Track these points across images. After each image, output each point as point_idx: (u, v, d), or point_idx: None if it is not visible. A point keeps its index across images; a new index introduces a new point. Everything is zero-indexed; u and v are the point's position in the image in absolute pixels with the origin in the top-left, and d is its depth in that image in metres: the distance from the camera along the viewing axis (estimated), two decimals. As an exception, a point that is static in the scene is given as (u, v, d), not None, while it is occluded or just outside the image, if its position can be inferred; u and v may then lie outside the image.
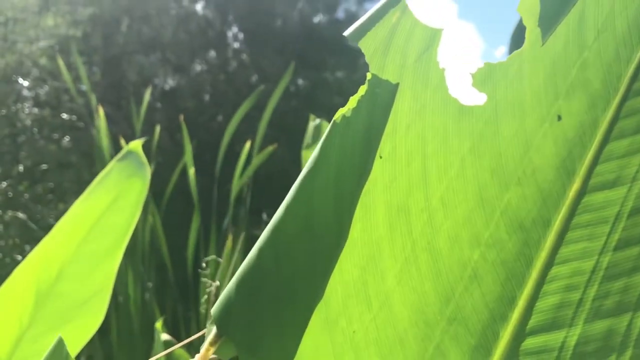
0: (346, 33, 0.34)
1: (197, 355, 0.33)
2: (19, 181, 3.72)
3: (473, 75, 0.32)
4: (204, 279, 1.09)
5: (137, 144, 0.91)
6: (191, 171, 2.24)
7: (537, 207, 0.32)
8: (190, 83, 4.61)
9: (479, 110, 0.32)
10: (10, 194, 3.61)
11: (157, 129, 2.48)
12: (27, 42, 4.11)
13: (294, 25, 4.95)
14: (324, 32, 5.04)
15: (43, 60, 4.14)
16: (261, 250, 0.33)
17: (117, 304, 2.18)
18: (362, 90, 0.33)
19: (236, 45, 5.05)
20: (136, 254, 2.20)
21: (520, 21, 0.32)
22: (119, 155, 0.91)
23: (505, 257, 0.31)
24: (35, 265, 0.85)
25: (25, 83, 4.16)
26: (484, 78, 0.32)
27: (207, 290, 0.86)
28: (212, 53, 4.86)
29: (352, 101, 0.33)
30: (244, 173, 2.33)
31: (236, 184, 2.26)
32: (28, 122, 3.97)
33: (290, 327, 0.33)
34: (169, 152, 3.73)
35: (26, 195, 3.63)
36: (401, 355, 0.32)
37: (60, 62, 2.84)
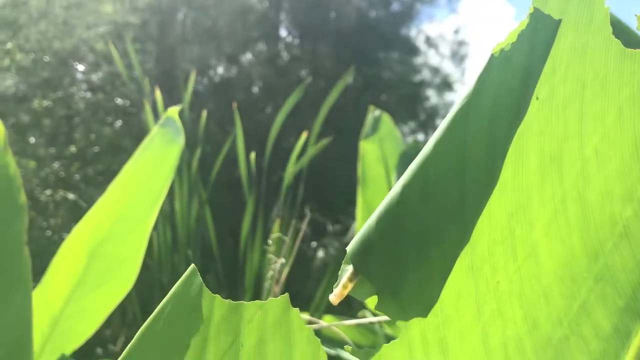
0: None
1: (331, 295, 0.32)
2: (71, 162, 3.80)
3: (638, 17, 0.30)
4: (270, 255, 1.09)
5: (174, 110, 0.93)
6: (241, 154, 2.24)
7: None
8: (242, 75, 4.64)
9: None
10: (62, 174, 3.69)
11: (204, 114, 2.48)
12: (85, 27, 4.20)
13: (348, 20, 4.93)
14: (379, 26, 5.01)
15: (99, 46, 4.22)
16: (407, 187, 0.32)
17: (161, 285, 2.21)
18: (523, 24, 0.31)
19: (289, 39, 5.05)
20: (180, 240, 2.22)
21: None
22: (160, 121, 0.93)
23: None
24: (89, 227, 0.88)
25: (81, 67, 4.25)
26: None
27: (272, 266, 0.86)
28: (264, 45, 4.87)
29: (512, 35, 0.32)
30: (299, 162, 2.32)
31: (290, 172, 2.25)
32: (82, 105, 4.06)
33: (435, 269, 0.31)
34: (218, 142, 3.76)
35: (77, 177, 3.71)
36: (545, 311, 0.30)
37: (113, 48, 2.88)
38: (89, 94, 4.12)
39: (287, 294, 0.33)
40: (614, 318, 0.30)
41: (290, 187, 2.39)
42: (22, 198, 0.73)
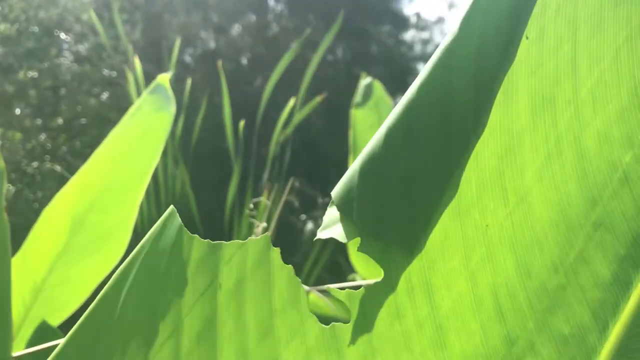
0: None
1: (316, 237, 0.31)
2: (58, 134, 3.76)
3: None
4: (251, 220, 1.09)
5: (165, 78, 0.91)
6: (228, 123, 2.22)
7: None
8: (230, 45, 4.59)
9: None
10: (49, 146, 3.66)
11: (189, 82, 2.46)
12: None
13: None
14: (369, 0, 4.96)
15: (85, 16, 4.15)
16: (390, 130, 0.31)
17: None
18: None
19: (278, 8, 4.99)
20: (163, 206, 2.21)
21: None
22: (150, 87, 0.92)
23: None
24: (72, 194, 0.87)
25: (67, 38, 4.18)
26: None
27: (255, 230, 0.86)
28: (253, 16, 4.82)
29: None
30: (287, 126, 2.30)
31: (277, 136, 2.23)
32: (68, 76, 4.00)
33: (420, 211, 0.31)
34: (206, 114, 3.74)
35: (64, 148, 3.68)
36: (539, 259, 0.29)
37: (96, 19, 2.83)
38: (75, 65, 4.06)
39: (268, 234, 0.32)
40: (613, 266, 0.28)
41: (279, 158, 2.38)
42: (1, 163, 0.72)
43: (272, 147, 2.26)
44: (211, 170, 3.29)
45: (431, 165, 0.30)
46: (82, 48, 4.15)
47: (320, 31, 4.30)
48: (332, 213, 0.32)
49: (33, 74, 3.81)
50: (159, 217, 0.33)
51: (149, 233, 0.32)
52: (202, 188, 2.50)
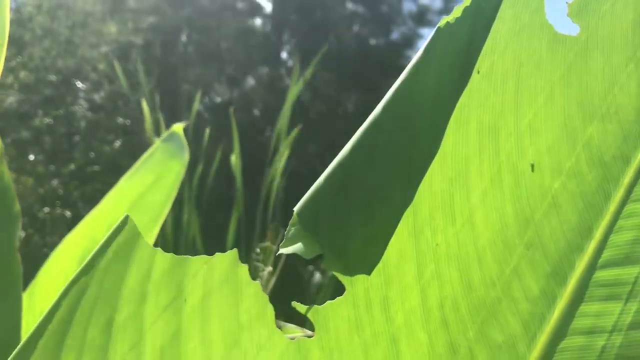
0: None
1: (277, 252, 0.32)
2: (70, 180, 3.81)
3: (569, 4, 0.33)
4: (256, 263, 1.10)
5: (179, 127, 0.93)
6: (237, 171, 2.24)
7: (618, 144, 0.32)
8: (243, 97, 4.67)
9: (572, 40, 0.32)
10: (61, 192, 3.69)
11: (207, 131, 2.50)
12: (88, 46, 4.24)
13: (350, 47, 4.98)
14: (379, 54, 5.06)
15: (102, 66, 4.25)
16: (354, 150, 0.33)
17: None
18: (467, 1, 0.33)
19: (290, 62, 5.09)
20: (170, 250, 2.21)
21: None
22: (163, 136, 0.93)
23: (584, 189, 0.32)
24: (81, 237, 0.87)
25: (84, 86, 4.27)
26: (579, 8, 0.33)
27: (260, 274, 0.86)
28: (266, 69, 4.91)
29: (457, 10, 0.33)
30: (274, 168, 2.32)
31: (269, 179, 2.25)
32: (83, 123, 4.07)
33: (380, 230, 0.32)
34: (220, 162, 3.77)
35: (76, 194, 3.71)
36: (479, 274, 0.32)
37: (118, 68, 2.90)
38: (90, 113, 4.14)
39: (235, 249, 0.33)
40: (541, 282, 0.31)
41: (285, 204, 2.39)
42: (16, 206, 0.74)
43: (266, 186, 2.28)
44: (223, 217, 3.30)
45: (393, 184, 0.32)
46: (98, 96, 4.23)
47: (331, 84, 4.38)
48: (294, 229, 0.32)
49: (49, 120, 3.88)
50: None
51: (101, 242, 0.32)
52: (212, 234, 2.51)
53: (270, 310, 0.32)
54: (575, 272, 0.31)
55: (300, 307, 0.33)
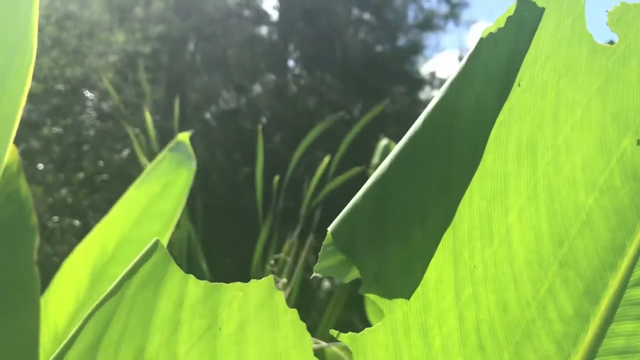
0: None
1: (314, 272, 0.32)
2: (79, 189, 3.83)
3: (609, 13, 0.32)
4: (271, 275, 1.10)
5: (185, 136, 0.94)
6: (259, 180, 2.23)
7: None
8: (250, 104, 4.68)
9: (610, 51, 0.31)
10: (70, 201, 3.71)
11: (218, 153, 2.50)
12: (96, 56, 4.27)
13: (355, 53, 4.99)
14: (385, 60, 5.06)
15: (110, 75, 4.28)
16: (392, 168, 0.32)
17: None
18: (511, 10, 0.33)
19: (297, 70, 5.11)
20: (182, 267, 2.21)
21: None
22: (170, 145, 0.94)
23: (617, 205, 0.31)
24: (92, 246, 0.88)
25: (92, 95, 4.30)
26: (618, 17, 0.32)
27: (276, 285, 0.86)
28: (273, 76, 4.93)
29: (501, 20, 0.32)
30: (322, 190, 2.30)
31: (306, 201, 2.23)
32: (92, 132, 4.10)
33: (418, 251, 0.32)
34: (225, 169, 3.78)
35: (85, 203, 3.73)
36: (514, 295, 0.31)
37: (125, 78, 2.92)
38: (98, 122, 4.16)
39: (271, 276, 0.32)
40: (575, 301, 0.31)
41: (301, 217, 2.38)
42: (33, 219, 0.75)
43: (304, 208, 2.26)
44: (231, 225, 3.30)
45: (431, 206, 0.32)
46: (106, 105, 4.26)
47: (338, 91, 4.38)
48: (329, 249, 0.32)
49: (57, 130, 3.90)
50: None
51: (129, 266, 0.31)
52: (220, 242, 2.52)
53: (308, 338, 0.32)
54: (608, 291, 0.31)
55: (341, 337, 0.32)
